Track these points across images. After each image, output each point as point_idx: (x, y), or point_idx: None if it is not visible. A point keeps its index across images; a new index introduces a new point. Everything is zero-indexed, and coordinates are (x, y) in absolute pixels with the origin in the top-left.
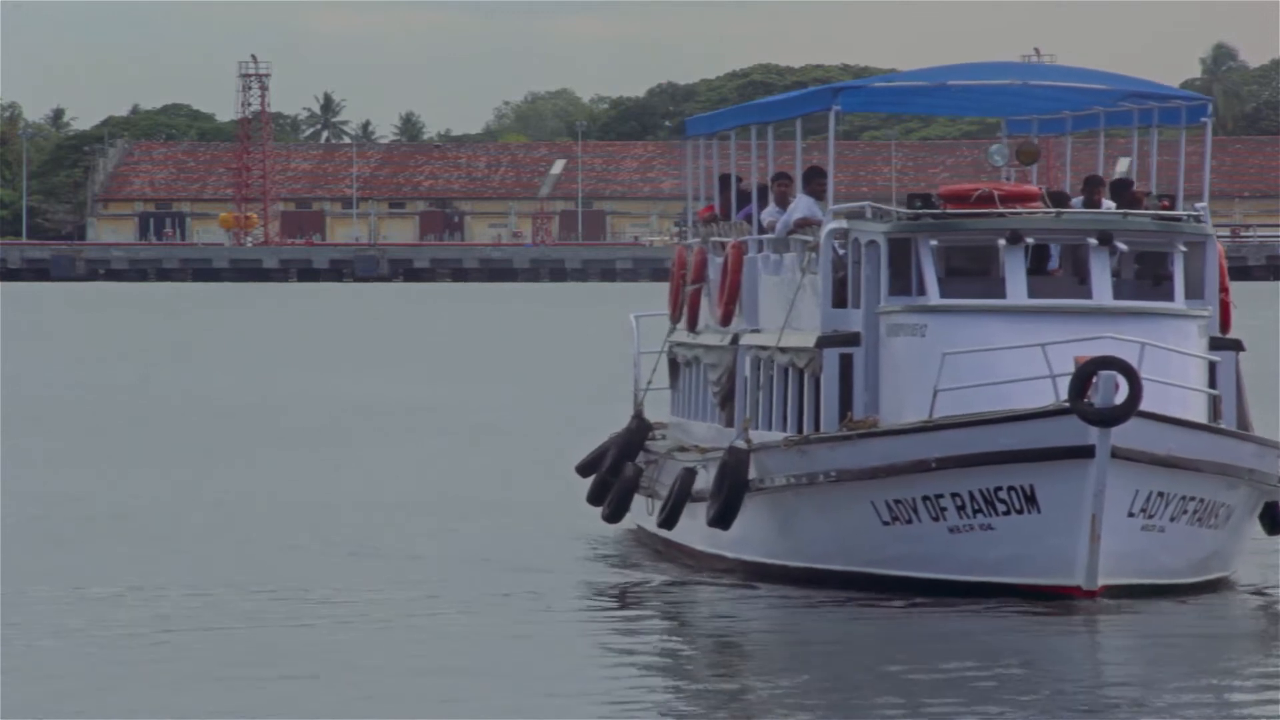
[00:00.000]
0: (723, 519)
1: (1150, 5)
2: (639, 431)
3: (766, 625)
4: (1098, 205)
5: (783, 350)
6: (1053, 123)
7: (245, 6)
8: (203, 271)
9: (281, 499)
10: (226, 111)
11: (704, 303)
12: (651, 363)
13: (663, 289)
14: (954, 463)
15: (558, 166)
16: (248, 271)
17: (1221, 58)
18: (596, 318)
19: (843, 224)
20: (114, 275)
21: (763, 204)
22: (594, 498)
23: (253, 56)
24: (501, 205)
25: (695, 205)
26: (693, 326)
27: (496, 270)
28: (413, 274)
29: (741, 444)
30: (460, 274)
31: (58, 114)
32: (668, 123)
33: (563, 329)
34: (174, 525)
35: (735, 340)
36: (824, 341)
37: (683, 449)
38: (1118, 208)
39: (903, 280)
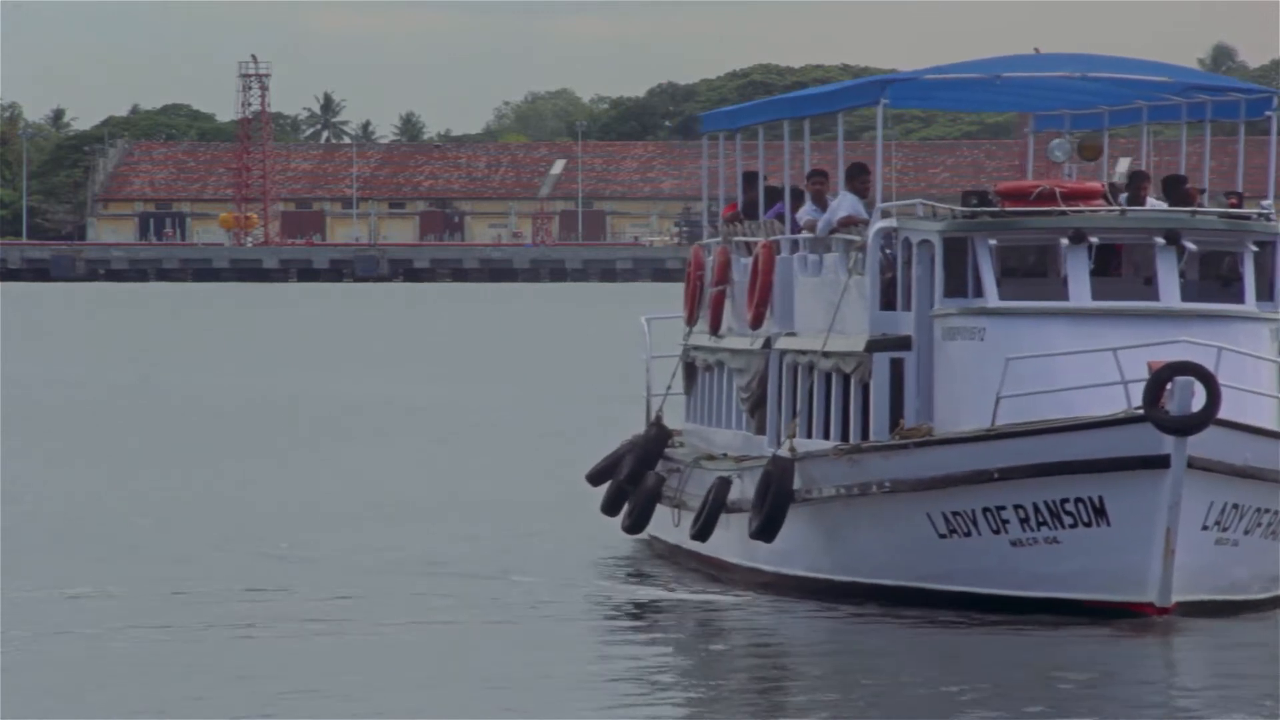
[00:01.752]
0: (767, 531)
1: (1150, 5)
2: (658, 439)
3: (812, 642)
4: (1142, 202)
5: (826, 355)
6: (1095, 117)
7: (245, 6)
8: (203, 272)
9: (283, 501)
10: (226, 111)
11: (728, 305)
12: (663, 367)
13: (663, 289)
14: (1018, 473)
15: (558, 166)
16: (248, 272)
17: (1221, 58)
18: (598, 318)
19: (892, 223)
20: (114, 275)
21: (794, 203)
22: (609, 507)
23: (253, 56)
24: (501, 205)
25: (712, 205)
26: (715, 329)
27: (496, 270)
28: (413, 274)
29: (785, 453)
30: (460, 274)
31: (58, 114)
32: (668, 123)
33: (564, 330)
34: (175, 525)
35: (768, 344)
36: (874, 345)
37: (710, 457)
38: (1170, 205)
39: (958, 281)
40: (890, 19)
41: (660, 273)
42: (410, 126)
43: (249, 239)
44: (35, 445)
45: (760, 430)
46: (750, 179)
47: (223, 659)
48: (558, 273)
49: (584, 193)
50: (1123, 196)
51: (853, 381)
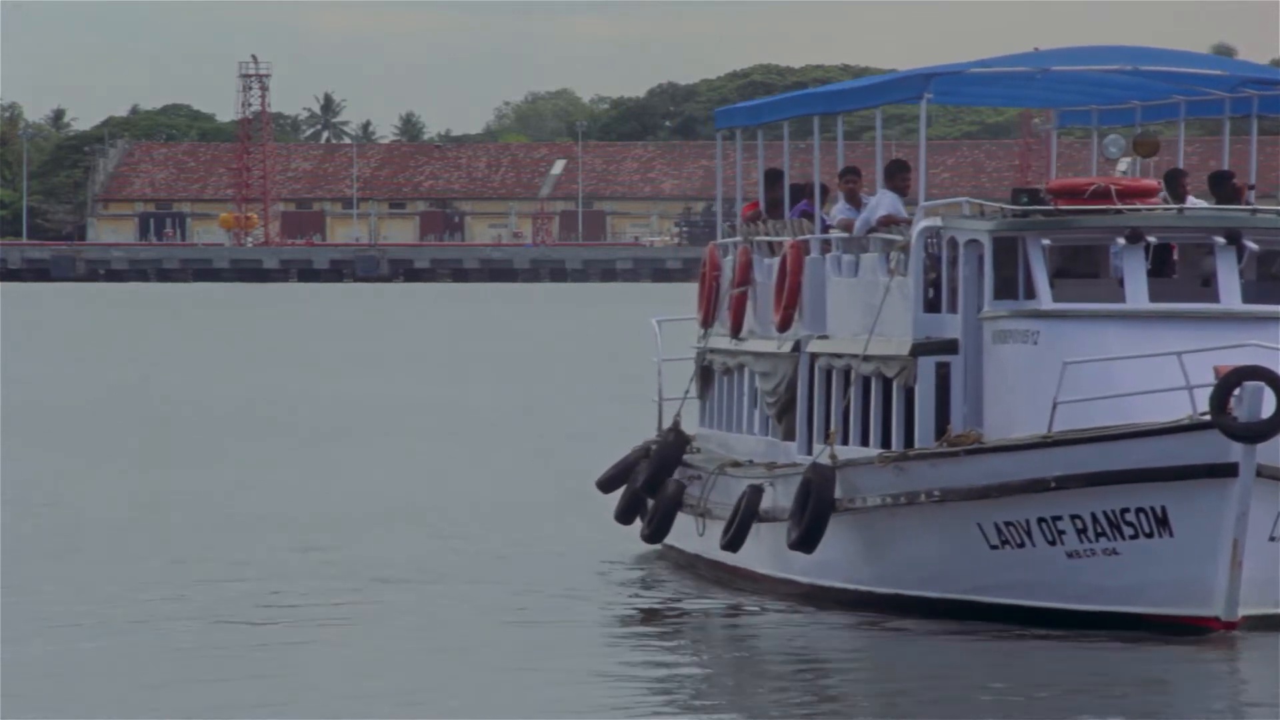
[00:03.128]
0: (807, 542)
1: (1150, 5)
2: (677, 445)
3: (854, 654)
4: (1182, 200)
5: (866, 358)
6: (1127, 112)
7: (245, 6)
8: (203, 272)
9: (283, 502)
10: (227, 111)
11: (750, 306)
12: (674, 370)
13: (663, 289)
14: (1077, 481)
15: (558, 167)
16: (248, 272)
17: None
18: (598, 318)
19: (936, 221)
20: (114, 275)
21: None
22: (624, 515)
23: (253, 57)
24: (502, 205)
25: (726, 204)
26: (736, 332)
27: (497, 270)
28: (413, 274)
29: (826, 460)
30: (460, 274)
31: (58, 114)
32: (668, 123)
33: (565, 331)
34: (176, 525)
35: (797, 347)
36: (919, 349)
37: (736, 464)
38: (1217, 202)
39: (1008, 283)
40: (890, 19)
41: (660, 273)
42: (410, 126)
43: (249, 239)
44: (35, 445)
45: (788, 436)
46: (773, 177)
47: (223, 660)
48: (558, 273)
49: (584, 193)
50: (1160, 195)
51: (895, 386)
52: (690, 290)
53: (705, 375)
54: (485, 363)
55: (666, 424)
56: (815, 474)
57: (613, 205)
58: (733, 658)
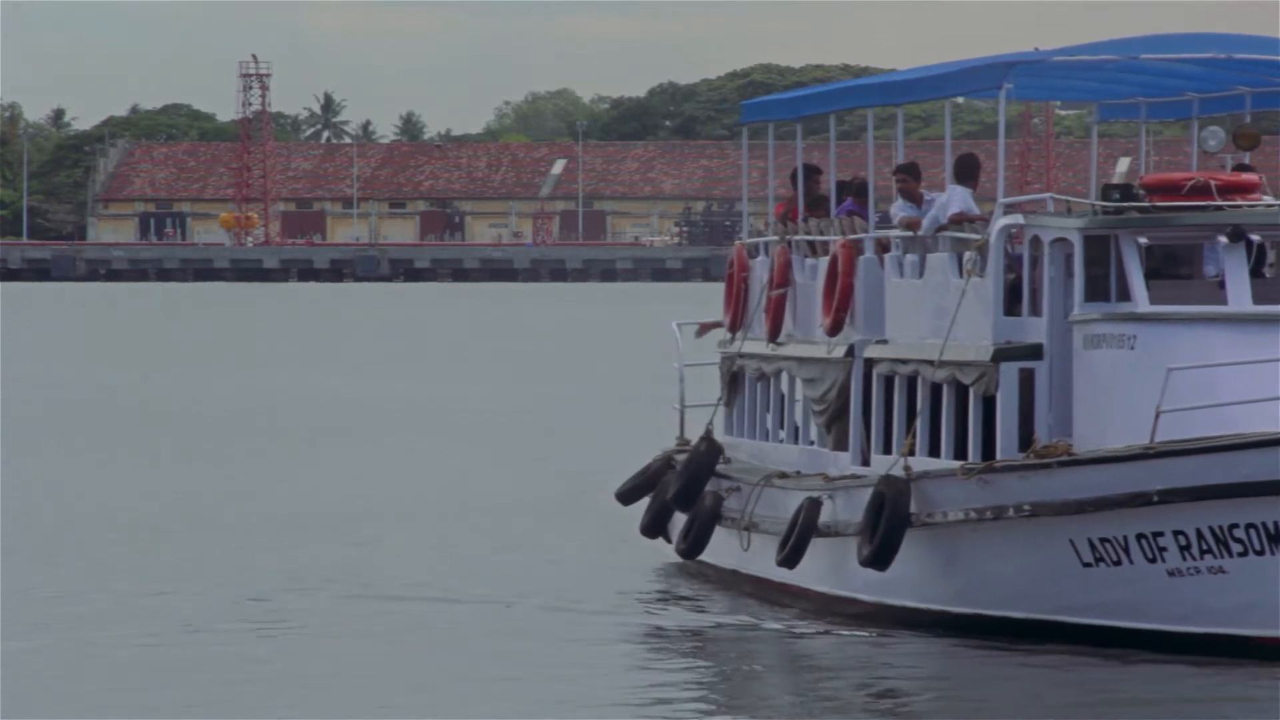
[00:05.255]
0: (881, 558)
1: (1150, 5)
2: (710, 454)
3: (939, 677)
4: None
5: (938, 365)
6: (1183, 105)
7: (245, 6)
8: (203, 271)
9: (282, 503)
10: (227, 111)
11: (789, 309)
12: (694, 375)
13: (664, 290)
14: (1182, 495)
15: (558, 166)
16: (248, 271)
17: None
18: (599, 319)
19: (1018, 219)
20: (114, 275)
21: (858, 200)
22: (651, 529)
23: (253, 56)
24: (502, 205)
25: (750, 204)
26: (774, 336)
27: (497, 270)
28: (413, 274)
29: (899, 472)
30: (461, 274)
31: (58, 114)
32: (668, 122)
33: (567, 331)
34: (176, 526)
35: (850, 352)
36: (1001, 354)
37: (782, 475)
38: None
39: (1100, 284)
40: (890, 19)
41: (660, 273)
42: (410, 126)
43: (249, 239)
44: (35, 445)
45: (838, 446)
46: (810, 173)
47: (223, 661)
48: (558, 273)
49: (584, 193)
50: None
51: (972, 394)
52: (691, 290)
53: (734, 381)
54: (483, 364)
55: (689, 432)
56: (889, 487)
57: (613, 205)
58: (802, 681)
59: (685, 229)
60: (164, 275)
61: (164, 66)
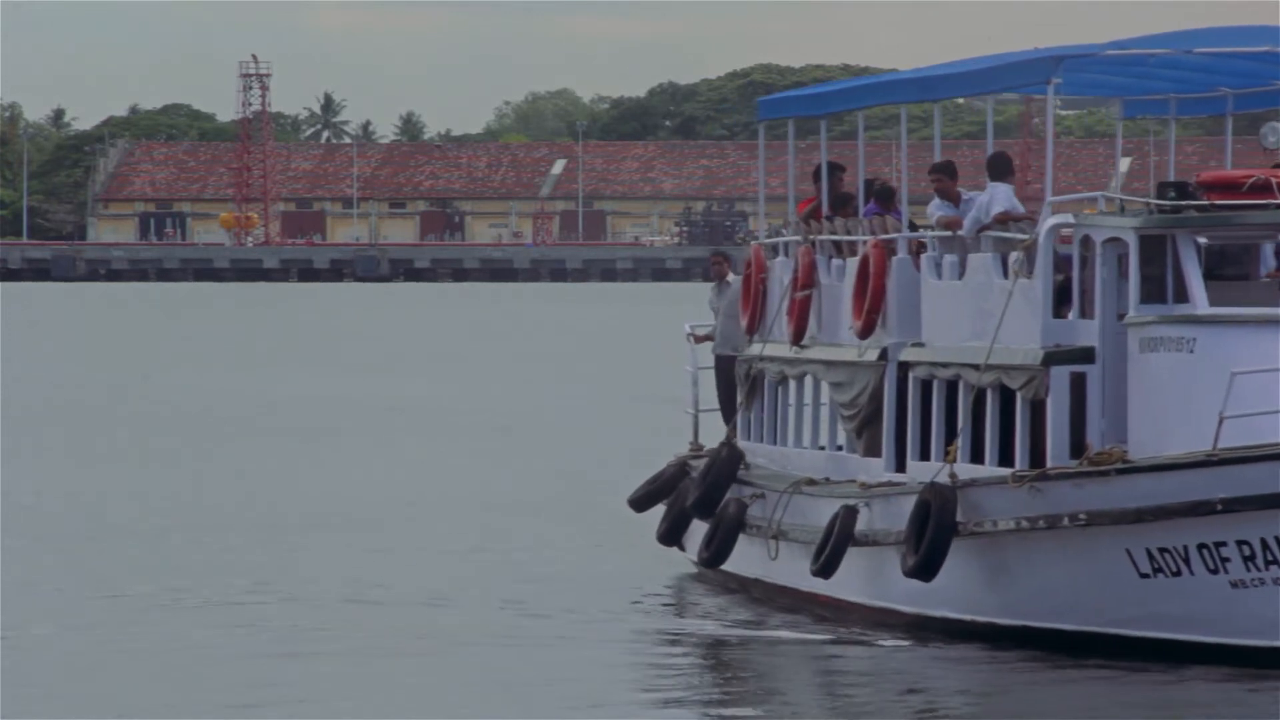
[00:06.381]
0: (927, 568)
1: (1150, 5)
2: (731, 461)
3: (989, 693)
4: None
5: (983, 369)
6: (1216, 101)
7: (245, 6)
8: (203, 271)
9: (284, 504)
10: (227, 111)
11: (814, 311)
12: (708, 379)
13: (664, 290)
14: (1248, 504)
15: (558, 166)
16: (248, 271)
17: None
18: (602, 319)
19: (1067, 218)
20: (115, 275)
21: (880, 200)
22: (668, 536)
23: (253, 56)
24: (502, 205)
25: (768, 204)
26: (798, 339)
27: (497, 270)
28: (413, 274)
29: (945, 480)
30: (461, 274)
31: (58, 114)
32: (668, 122)
33: (568, 332)
34: (176, 526)
35: (884, 355)
36: (1052, 358)
37: (811, 481)
38: None
39: (1156, 285)
40: (890, 19)
41: (660, 273)
42: (410, 126)
43: (249, 239)
44: (35, 445)
45: (870, 451)
46: (834, 171)
47: (224, 662)
48: (558, 273)
49: (584, 193)
50: None
51: (1020, 399)
52: (692, 290)
53: (753, 385)
54: (484, 363)
55: (703, 438)
56: (935, 495)
57: (613, 205)
58: (837, 689)
59: (685, 229)
60: (164, 275)
61: (164, 66)
